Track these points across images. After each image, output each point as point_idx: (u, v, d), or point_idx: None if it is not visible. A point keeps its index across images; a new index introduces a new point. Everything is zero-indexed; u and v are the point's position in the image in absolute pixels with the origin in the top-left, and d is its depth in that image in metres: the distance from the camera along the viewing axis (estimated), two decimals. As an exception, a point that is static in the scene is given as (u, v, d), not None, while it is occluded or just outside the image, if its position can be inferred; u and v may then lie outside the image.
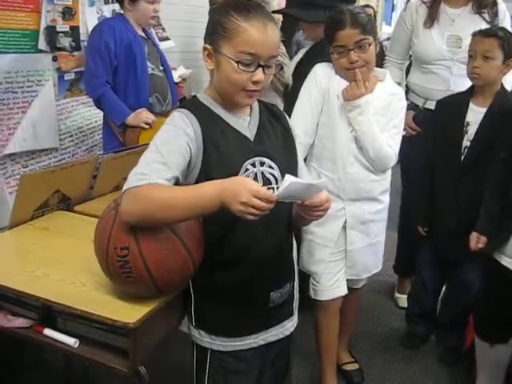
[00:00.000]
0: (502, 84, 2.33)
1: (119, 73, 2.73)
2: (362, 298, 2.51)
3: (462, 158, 2.36)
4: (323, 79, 2.05)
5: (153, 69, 2.84)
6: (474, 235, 2.14)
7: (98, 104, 2.78)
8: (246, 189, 1.19)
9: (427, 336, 2.78)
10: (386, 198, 2.19)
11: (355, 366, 2.50)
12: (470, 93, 2.37)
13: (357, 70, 1.95)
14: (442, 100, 2.50)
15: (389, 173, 2.17)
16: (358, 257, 2.18)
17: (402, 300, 3.08)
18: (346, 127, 2.03)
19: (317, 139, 2.10)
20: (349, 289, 2.23)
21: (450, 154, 2.39)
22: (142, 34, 2.85)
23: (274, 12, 2.59)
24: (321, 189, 1.32)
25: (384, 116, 2.04)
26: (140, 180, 1.26)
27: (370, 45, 1.94)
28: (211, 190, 1.23)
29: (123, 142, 2.76)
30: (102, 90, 2.70)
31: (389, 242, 2.32)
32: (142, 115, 2.72)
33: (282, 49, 3.40)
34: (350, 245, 2.14)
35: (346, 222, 2.11)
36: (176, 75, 3.39)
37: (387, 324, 2.97)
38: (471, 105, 2.35)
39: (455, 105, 2.40)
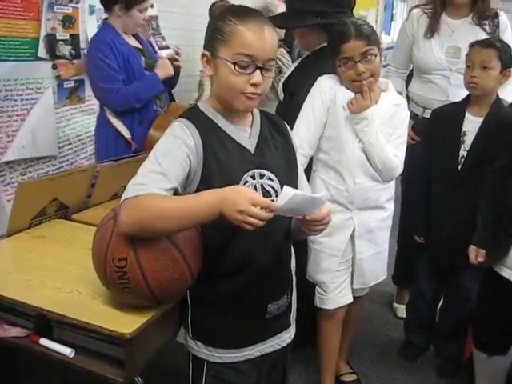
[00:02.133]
0: (497, 94, 2.34)
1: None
2: (361, 309, 2.49)
3: (459, 167, 2.36)
4: (328, 91, 2.05)
5: None
6: (472, 248, 2.13)
7: (140, 101, 2.70)
8: (246, 197, 1.19)
9: (426, 346, 2.77)
10: (391, 206, 2.21)
11: (353, 377, 2.49)
12: (466, 102, 2.38)
13: (364, 81, 1.95)
14: (437, 109, 2.51)
15: (393, 181, 2.18)
16: (367, 265, 2.19)
17: (401, 310, 3.07)
18: (353, 138, 2.03)
19: (323, 151, 2.10)
20: (353, 297, 2.24)
21: (446, 163, 2.40)
22: (136, 44, 2.82)
23: None
24: (323, 202, 1.31)
25: (389, 126, 2.05)
26: (139, 190, 1.26)
27: (375, 56, 1.94)
28: (210, 198, 1.23)
29: (139, 147, 2.73)
30: (129, 91, 2.66)
31: (388, 251, 2.32)
32: (167, 65, 2.76)
33: (288, 60, 3.39)
34: (358, 254, 2.16)
35: (353, 231, 2.12)
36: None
37: (385, 334, 2.95)
38: (467, 114, 2.35)
39: (451, 114, 2.41)
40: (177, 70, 2.87)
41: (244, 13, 1.34)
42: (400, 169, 2.10)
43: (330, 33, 2.08)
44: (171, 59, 2.84)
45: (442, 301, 2.71)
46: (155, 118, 2.79)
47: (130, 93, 2.66)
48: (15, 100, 2.81)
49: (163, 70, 2.77)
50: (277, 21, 2.40)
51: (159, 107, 2.85)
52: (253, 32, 1.30)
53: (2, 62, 2.72)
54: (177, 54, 2.91)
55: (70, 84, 3.14)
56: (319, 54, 2.25)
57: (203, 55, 1.38)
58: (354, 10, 2.34)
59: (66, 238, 1.88)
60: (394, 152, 2.06)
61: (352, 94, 2.02)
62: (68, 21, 3.08)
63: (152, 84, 2.74)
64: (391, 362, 2.70)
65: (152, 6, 3.74)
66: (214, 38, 1.34)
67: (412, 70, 2.99)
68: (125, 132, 2.74)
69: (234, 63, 1.31)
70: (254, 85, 1.33)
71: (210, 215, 1.23)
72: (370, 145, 2.01)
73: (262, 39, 1.31)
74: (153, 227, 1.26)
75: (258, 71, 1.32)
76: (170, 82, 2.92)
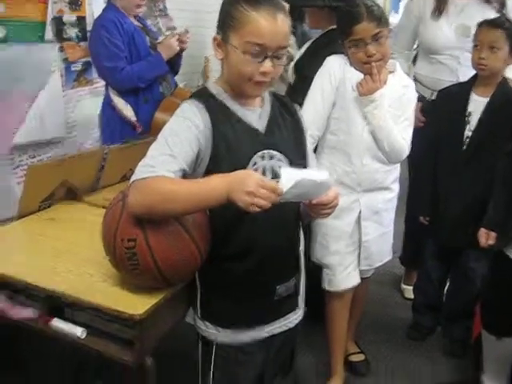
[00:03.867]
0: (503, 75, 2.33)
1: None
2: (368, 290, 2.51)
3: (464, 147, 2.36)
4: (337, 72, 2.04)
5: None
6: (482, 232, 2.13)
7: (141, 81, 2.69)
8: (253, 179, 1.19)
9: (434, 327, 2.78)
10: (397, 187, 2.22)
11: (361, 357, 2.51)
12: (472, 83, 2.37)
13: (373, 63, 1.94)
14: (443, 90, 2.51)
15: (399, 163, 2.19)
16: (373, 247, 2.20)
17: (409, 291, 3.08)
18: (362, 120, 2.03)
19: (330, 132, 2.10)
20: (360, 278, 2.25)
21: (452, 144, 2.40)
22: (139, 24, 2.81)
23: None
24: (329, 186, 1.31)
25: (397, 108, 2.04)
26: (147, 172, 1.26)
27: (386, 38, 1.93)
28: (218, 181, 1.24)
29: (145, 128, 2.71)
30: (131, 70, 2.65)
31: (395, 233, 2.32)
32: (171, 44, 2.74)
33: (292, 40, 3.36)
34: (365, 235, 2.16)
35: (360, 213, 2.12)
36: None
37: (393, 315, 2.97)
38: (473, 95, 2.35)
39: (457, 94, 2.40)
40: (181, 50, 2.85)
41: None
42: (407, 151, 2.09)
43: (339, 14, 2.07)
44: (178, 39, 2.81)
45: (448, 282, 2.72)
46: (161, 100, 2.78)
47: (133, 71, 2.66)
48: (23, 83, 2.81)
49: (167, 50, 2.75)
50: None
51: (165, 89, 2.84)
52: (265, 20, 1.28)
53: (10, 45, 2.72)
54: (183, 35, 2.86)
55: (77, 66, 3.14)
56: (331, 36, 2.23)
57: (214, 39, 1.37)
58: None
59: (76, 221, 1.90)
60: (402, 134, 2.05)
61: (361, 75, 2.01)
62: (75, 3, 3.07)
63: (156, 63, 2.73)
64: (399, 342, 2.72)
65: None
66: (226, 23, 1.33)
67: (417, 52, 2.97)
68: (130, 114, 2.74)
69: (245, 51, 1.29)
70: (263, 73, 1.32)
71: (218, 200, 1.23)
72: (378, 128, 2.00)
73: (274, 27, 1.29)
74: (161, 209, 1.27)
75: (268, 60, 1.31)
76: (173, 66, 2.90)
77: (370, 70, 1.96)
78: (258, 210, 1.19)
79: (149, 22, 3.16)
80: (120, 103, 2.75)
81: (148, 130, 2.69)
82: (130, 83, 2.68)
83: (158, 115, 2.71)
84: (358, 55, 1.98)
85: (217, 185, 1.23)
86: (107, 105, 2.81)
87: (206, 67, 3.84)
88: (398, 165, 2.19)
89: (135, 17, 2.83)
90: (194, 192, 1.25)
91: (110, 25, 2.62)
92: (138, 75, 2.67)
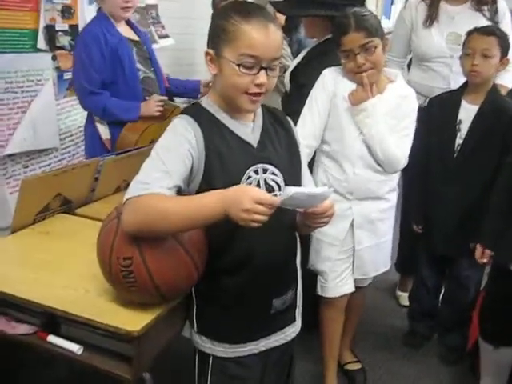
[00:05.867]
0: (493, 82, 2.35)
1: (108, 81, 2.61)
2: (365, 299, 2.50)
3: (455, 155, 2.37)
4: (330, 83, 2.06)
5: (145, 71, 2.74)
6: (478, 248, 2.13)
7: (105, 115, 2.63)
8: (249, 196, 1.18)
9: (430, 334, 2.79)
10: (393, 197, 2.20)
11: (358, 366, 2.51)
12: (463, 90, 2.38)
13: (364, 74, 1.95)
14: (434, 98, 2.52)
15: (396, 173, 2.17)
16: (367, 256, 2.19)
17: (404, 298, 3.08)
18: (354, 129, 2.03)
19: (324, 142, 2.11)
20: (355, 287, 2.25)
21: (443, 152, 2.41)
22: (131, 36, 2.72)
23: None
24: (326, 197, 1.31)
25: (394, 118, 2.04)
26: (141, 190, 1.26)
27: (375, 47, 1.93)
28: (213, 200, 1.23)
29: (111, 148, 2.65)
30: (102, 100, 2.58)
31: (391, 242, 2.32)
32: (152, 105, 2.65)
33: (287, 51, 3.37)
34: (358, 244, 2.16)
35: (353, 221, 2.12)
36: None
37: (389, 322, 2.97)
38: (463, 102, 2.36)
39: (448, 102, 2.42)
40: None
41: (248, 11, 1.31)
42: (403, 161, 2.08)
43: (333, 25, 2.08)
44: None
45: (443, 289, 2.73)
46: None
47: (107, 104, 2.58)
48: (16, 92, 2.81)
49: (146, 109, 2.65)
50: (281, 7, 2.41)
51: None
52: (257, 32, 1.28)
53: (2, 54, 2.71)
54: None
55: (69, 75, 3.11)
56: (327, 46, 2.24)
57: (207, 54, 1.37)
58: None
59: (70, 234, 1.88)
60: (398, 144, 2.04)
61: (354, 86, 2.02)
62: (67, 11, 3.07)
63: (129, 110, 2.63)
64: (395, 350, 2.72)
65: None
66: (218, 37, 1.33)
67: (411, 59, 2.97)
68: (103, 131, 2.68)
69: (239, 64, 1.29)
70: (258, 85, 1.32)
71: (215, 218, 1.23)
72: (370, 137, 2.01)
73: (266, 39, 1.29)
74: (155, 228, 1.26)
75: (262, 71, 1.31)
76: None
77: (361, 79, 1.97)
78: (256, 225, 1.19)
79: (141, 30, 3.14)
80: (97, 119, 2.69)
81: (114, 149, 2.60)
82: (96, 111, 2.63)
83: (125, 132, 2.64)
84: (348, 65, 1.99)
85: (213, 203, 1.22)
86: (89, 119, 2.76)
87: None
88: (396, 176, 2.18)
89: (130, 25, 2.77)
90: (189, 210, 1.24)
91: (93, 42, 2.53)
92: (109, 111, 2.59)
